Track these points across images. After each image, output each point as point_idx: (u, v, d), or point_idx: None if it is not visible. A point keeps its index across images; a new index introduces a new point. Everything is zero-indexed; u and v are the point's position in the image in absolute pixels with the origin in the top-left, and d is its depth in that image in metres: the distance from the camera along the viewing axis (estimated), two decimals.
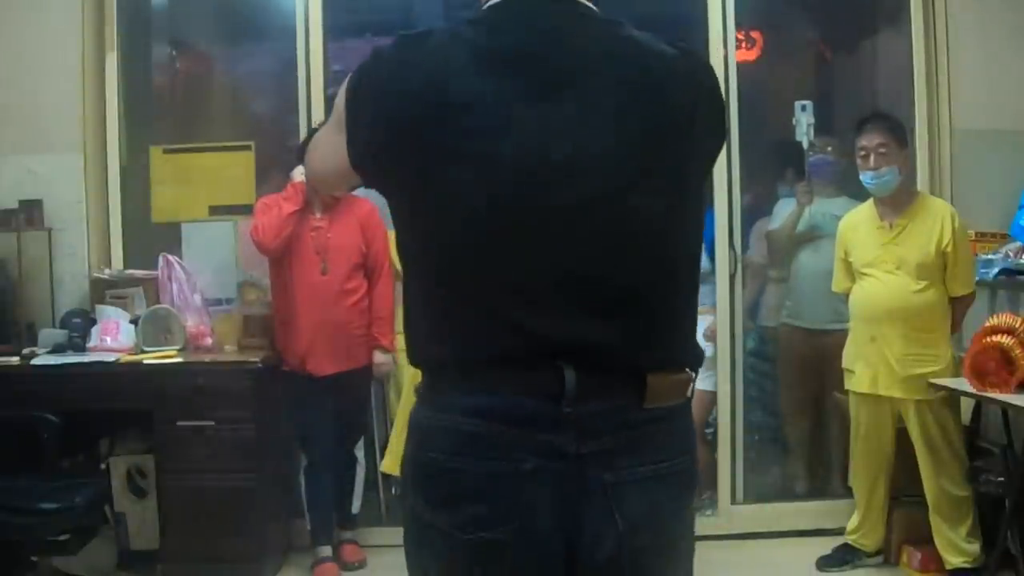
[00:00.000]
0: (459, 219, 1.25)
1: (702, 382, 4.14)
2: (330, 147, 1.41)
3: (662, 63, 1.32)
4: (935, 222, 3.58)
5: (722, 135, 1.44)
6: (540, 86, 1.26)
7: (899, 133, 3.68)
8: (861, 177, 3.68)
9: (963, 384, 3.44)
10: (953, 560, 3.56)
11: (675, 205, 1.31)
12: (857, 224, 3.77)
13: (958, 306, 3.64)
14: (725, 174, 4.16)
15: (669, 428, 1.33)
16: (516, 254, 1.25)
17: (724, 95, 1.47)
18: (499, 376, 1.25)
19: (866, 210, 3.77)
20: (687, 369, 1.36)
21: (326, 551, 3.91)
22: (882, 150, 3.61)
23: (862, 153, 3.65)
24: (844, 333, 3.83)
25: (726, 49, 4.17)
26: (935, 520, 3.60)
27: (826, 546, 3.89)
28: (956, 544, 3.56)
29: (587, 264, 1.26)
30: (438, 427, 1.29)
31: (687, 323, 1.39)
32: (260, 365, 3.70)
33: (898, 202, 3.66)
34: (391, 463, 4.05)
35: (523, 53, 1.28)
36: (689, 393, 1.37)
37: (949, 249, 3.55)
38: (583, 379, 1.24)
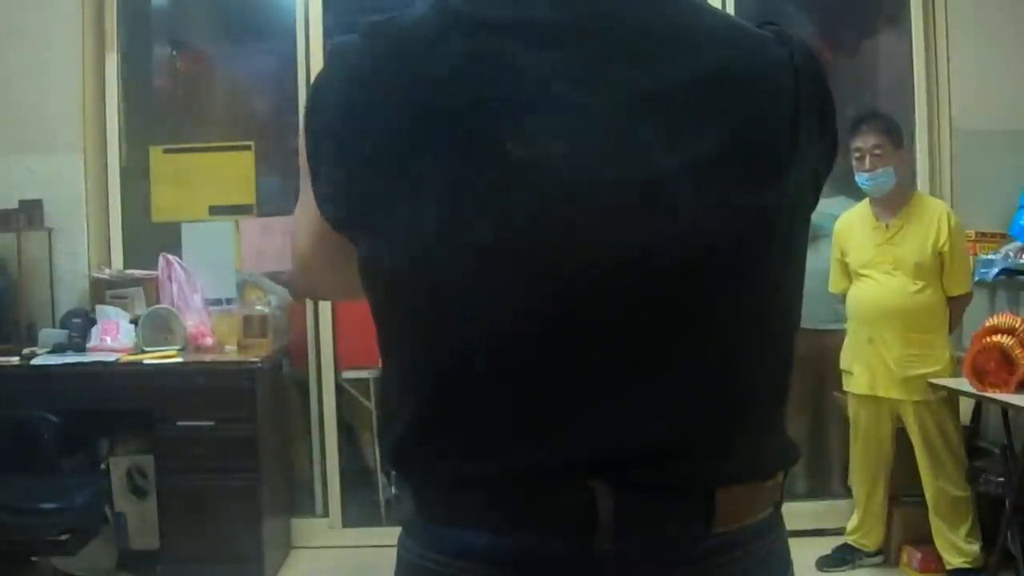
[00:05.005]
0: (446, 275, 0.90)
1: None
2: (302, 210, 1.03)
3: (752, 51, 0.94)
4: (931, 222, 3.58)
5: (834, 147, 1.01)
6: (569, 75, 0.89)
7: (895, 133, 3.67)
8: (857, 178, 3.67)
9: (963, 384, 3.44)
10: (953, 560, 3.56)
11: (764, 247, 0.93)
12: (852, 224, 3.76)
13: (955, 306, 3.63)
14: None
15: (749, 555, 0.97)
16: (525, 324, 0.89)
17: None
18: (504, 501, 0.91)
19: (861, 210, 3.76)
20: (777, 472, 1.00)
21: None
22: (877, 151, 3.59)
23: (857, 155, 3.64)
24: (843, 333, 3.82)
25: None
26: (935, 520, 3.59)
27: (826, 546, 3.89)
28: (956, 544, 3.56)
29: (630, 335, 0.89)
30: (424, 570, 0.96)
31: (779, 415, 1.02)
32: (260, 365, 3.70)
33: (894, 202, 3.65)
34: None
35: (555, 30, 0.91)
36: (778, 497, 1.01)
37: (946, 248, 3.54)
38: (624, 501, 0.89)
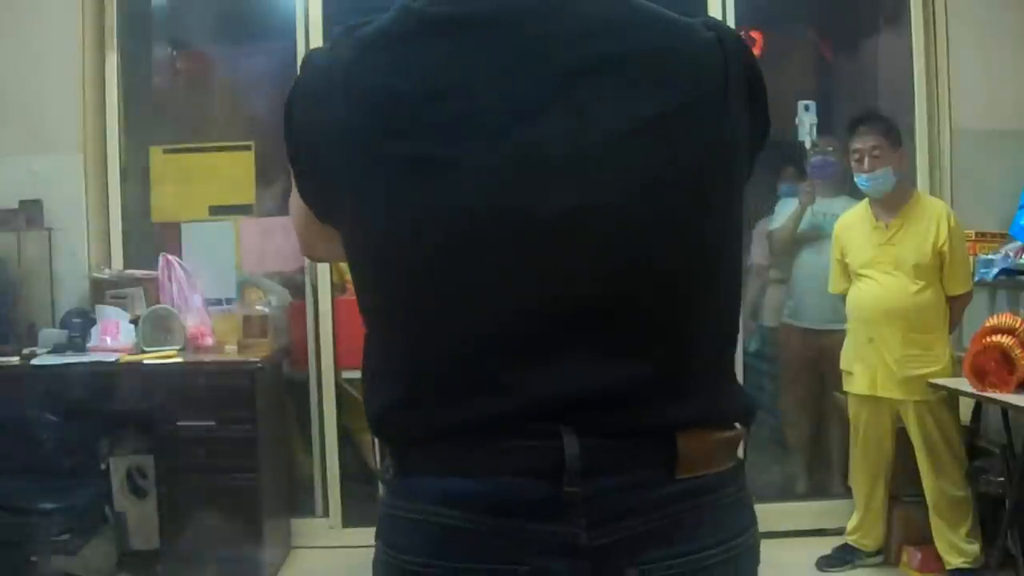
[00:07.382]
0: (420, 244, 0.98)
1: None
2: (294, 198, 1.15)
3: (681, 34, 1.04)
4: (931, 221, 3.58)
5: (766, 121, 1.11)
6: (522, 61, 0.98)
7: (893, 134, 3.67)
8: (856, 179, 3.68)
9: (963, 384, 3.44)
10: (953, 560, 3.56)
11: (707, 210, 1.02)
12: (852, 225, 3.76)
13: (955, 305, 3.63)
14: None
15: (713, 503, 1.02)
16: (494, 283, 0.97)
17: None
18: (477, 449, 0.97)
19: (861, 210, 3.76)
20: (735, 424, 1.06)
21: None
22: (876, 152, 3.60)
23: (856, 156, 3.65)
24: (843, 333, 3.82)
25: None
26: (935, 521, 3.59)
27: (826, 546, 3.89)
28: (956, 544, 3.56)
29: (589, 289, 0.97)
30: (406, 521, 1.01)
31: (728, 362, 1.08)
32: (260, 365, 3.70)
33: (893, 202, 3.65)
34: None
35: (500, 20, 1.00)
36: (740, 454, 1.07)
37: (945, 248, 3.55)
38: (590, 445, 0.95)
